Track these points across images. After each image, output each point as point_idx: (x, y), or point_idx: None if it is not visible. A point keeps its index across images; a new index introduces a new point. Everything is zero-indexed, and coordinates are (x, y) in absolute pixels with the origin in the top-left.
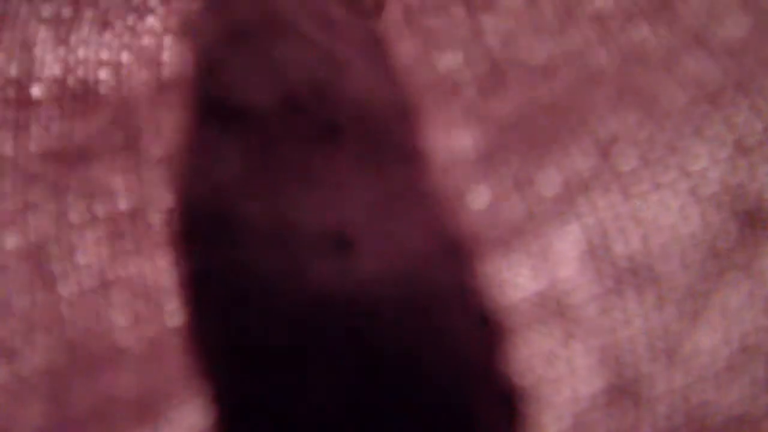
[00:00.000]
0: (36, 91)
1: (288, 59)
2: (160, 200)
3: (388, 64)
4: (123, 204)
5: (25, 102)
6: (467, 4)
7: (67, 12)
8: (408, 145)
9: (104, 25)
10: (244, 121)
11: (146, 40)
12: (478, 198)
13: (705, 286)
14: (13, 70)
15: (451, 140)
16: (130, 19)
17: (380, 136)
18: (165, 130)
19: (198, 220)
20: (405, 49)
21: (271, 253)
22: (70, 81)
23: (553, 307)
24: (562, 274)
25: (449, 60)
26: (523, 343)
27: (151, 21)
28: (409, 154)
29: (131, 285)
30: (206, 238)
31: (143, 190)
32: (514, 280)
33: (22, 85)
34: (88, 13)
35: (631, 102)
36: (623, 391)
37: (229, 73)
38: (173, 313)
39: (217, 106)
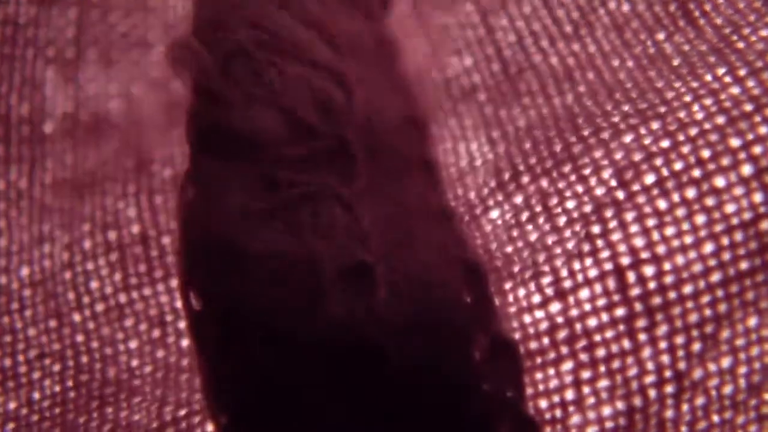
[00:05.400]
0: (48, 127)
1: (290, 79)
2: (171, 224)
3: (397, 70)
4: (135, 228)
5: (38, 138)
6: (477, 3)
7: (70, 52)
8: (418, 157)
9: (109, 62)
10: (249, 146)
11: (154, 72)
12: (490, 215)
13: (724, 307)
14: (25, 109)
15: (460, 151)
16: (134, 55)
17: (390, 148)
18: (176, 152)
19: (205, 249)
20: (413, 50)
21: (282, 287)
22: (82, 114)
23: (565, 332)
24: (575, 300)
25: (459, 63)
26: (536, 369)
27: (155, 54)
28: (420, 166)
29: (144, 308)
30: (213, 268)
31: (154, 215)
32: (526, 306)
33: (34, 122)
34: (92, 53)
35: (647, 118)
36: (634, 417)
37: (231, 97)
38: (183, 334)
39: (220, 132)
